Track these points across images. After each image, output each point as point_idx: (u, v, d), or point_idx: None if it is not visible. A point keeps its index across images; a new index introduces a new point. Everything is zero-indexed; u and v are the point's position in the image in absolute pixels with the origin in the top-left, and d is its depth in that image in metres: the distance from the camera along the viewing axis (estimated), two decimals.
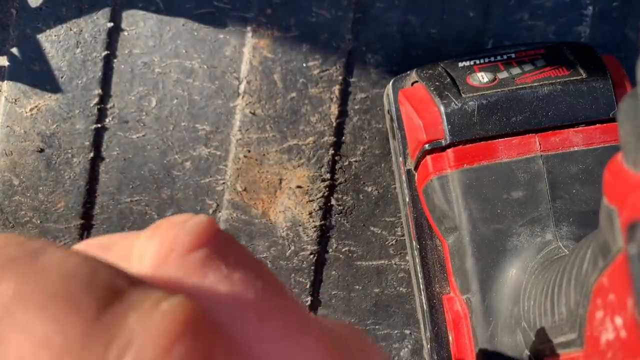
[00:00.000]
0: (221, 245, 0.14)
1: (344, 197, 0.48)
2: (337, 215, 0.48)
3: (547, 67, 0.41)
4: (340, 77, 0.48)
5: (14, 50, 0.47)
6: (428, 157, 0.41)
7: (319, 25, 0.48)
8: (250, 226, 0.48)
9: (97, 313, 0.11)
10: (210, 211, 0.48)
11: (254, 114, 0.48)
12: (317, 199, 0.48)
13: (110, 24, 0.47)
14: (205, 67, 0.48)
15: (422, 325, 0.45)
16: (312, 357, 0.14)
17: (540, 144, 0.40)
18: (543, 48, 0.43)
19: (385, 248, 0.48)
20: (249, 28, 0.48)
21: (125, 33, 0.48)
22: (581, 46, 0.43)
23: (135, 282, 0.12)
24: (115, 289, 0.12)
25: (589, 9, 0.48)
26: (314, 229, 0.48)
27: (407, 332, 0.48)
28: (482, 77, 0.41)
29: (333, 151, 0.48)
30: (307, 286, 0.48)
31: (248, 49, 0.48)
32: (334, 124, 0.48)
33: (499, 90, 0.40)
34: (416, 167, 0.43)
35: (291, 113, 0.48)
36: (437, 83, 0.41)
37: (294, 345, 0.14)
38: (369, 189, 0.48)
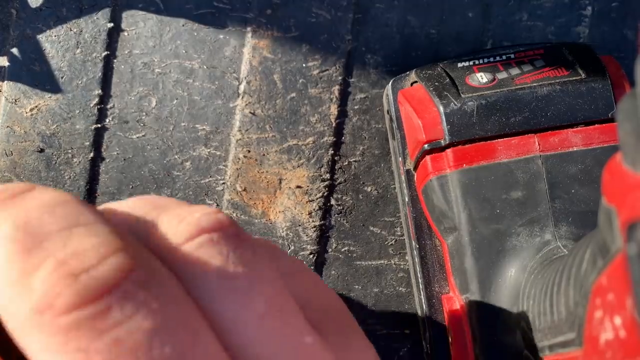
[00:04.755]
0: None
1: (344, 197, 0.48)
2: (336, 215, 0.48)
3: (546, 67, 0.42)
4: (340, 78, 0.48)
5: (14, 50, 0.47)
6: (427, 157, 0.41)
7: (319, 25, 0.48)
8: (250, 226, 0.48)
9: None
10: None
11: (253, 114, 0.48)
12: (317, 199, 0.48)
13: (110, 25, 0.47)
14: (205, 67, 0.48)
15: (421, 325, 0.45)
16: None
17: (539, 144, 0.40)
18: (542, 48, 0.43)
19: (385, 248, 0.48)
20: (248, 28, 0.48)
21: (125, 33, 0.48)
22: (580, 47, 0.43)
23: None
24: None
25: (588, 9, 0.48)
26: (314, 229, 0.48)
27: (407, 332, 0.48)
28: (482, 78, 0.41)
29: (333, 151, 0.48)
30: None
31: (248, 49, 0.48)
32: (334, 124, 0.48)
33: (498, 90, 0.40)
34: (415, 167, 0.43)
35: (291, 113, 0.48)
36: (436, 83, 0.42)
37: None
38: (369, 189, 0.48)
